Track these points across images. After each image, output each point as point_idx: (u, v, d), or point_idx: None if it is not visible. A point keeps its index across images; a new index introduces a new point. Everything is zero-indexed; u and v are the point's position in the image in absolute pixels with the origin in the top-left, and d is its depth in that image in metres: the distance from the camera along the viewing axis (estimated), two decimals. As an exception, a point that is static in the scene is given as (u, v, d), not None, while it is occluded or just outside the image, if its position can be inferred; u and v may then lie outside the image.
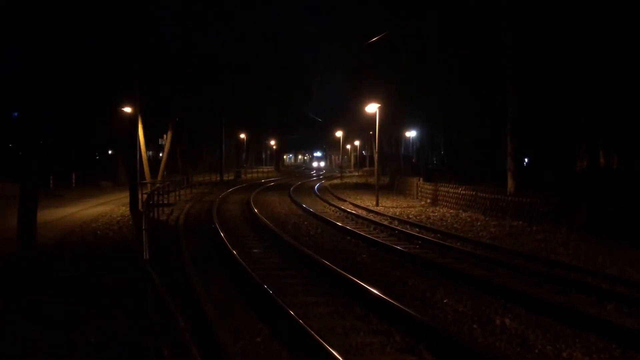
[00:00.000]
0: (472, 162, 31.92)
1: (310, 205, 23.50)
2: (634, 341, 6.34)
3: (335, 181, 47.85)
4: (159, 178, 32.93)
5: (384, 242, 13.31)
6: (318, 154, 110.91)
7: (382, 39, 29.82)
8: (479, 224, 17.07)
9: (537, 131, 25.21)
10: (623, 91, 20.93)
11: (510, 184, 19.76)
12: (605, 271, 9.86)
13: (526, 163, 29.63)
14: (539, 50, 22.42)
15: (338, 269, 9.61)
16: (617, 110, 22.10)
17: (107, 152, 48.30)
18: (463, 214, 19.71)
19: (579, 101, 22.94)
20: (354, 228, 15.93)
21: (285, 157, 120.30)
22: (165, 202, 22.16)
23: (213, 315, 7.17)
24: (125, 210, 20.63)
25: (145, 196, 20.24)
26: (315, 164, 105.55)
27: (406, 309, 7.15)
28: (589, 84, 22.05)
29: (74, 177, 34.28)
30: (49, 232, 14.96)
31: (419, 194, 26.66)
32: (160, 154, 46.55)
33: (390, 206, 23.38)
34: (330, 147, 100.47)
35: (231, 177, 51.01)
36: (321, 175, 65.38)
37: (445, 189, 23.01)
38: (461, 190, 21.45)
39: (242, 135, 65.27)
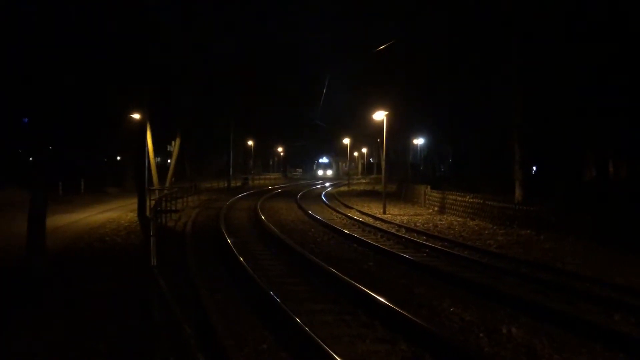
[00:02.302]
0: (480, 171, 31.81)
1: (317, 212, 23.50)
2: (641, 351, 6.31)
3: (342, 188, 47.86)
4: (167, 184, 33.06)
5: (390, 250, 13.30)
6: (324, 159, 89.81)
7: (390, 47, 29.87)
8: (486, 232, 17.02)
9: (546, 140, 25.12)
10: (632, 100, 20.83)
11: (518, 192, 19.70)
12: (612, 281, 9.80)
13: (534, 171, 29.49)
14: (546, 58, 22.36)
15: (344, 277, 9.62)
16: (626, 119, 21.99)
17: (116, 158, 48.56)
18: (471, 223, 19.65)
19: (587, 110, 22.85)
20: (361, 236, 15.92)
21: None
22: (173, 208, 22.24)
23: (219, 322, 7.19)
24: (133, 216, 20.73)
25: (153, 202, 20.33)
26: (320, 172, 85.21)
27: (412, 317, 7.15)
28: (597, 93, 21.96)
29: (82, 183, 34.49)
30: (58, 238, 15.07)
31: (427, 202, 26.62)
32: (169, 161, 46.76)
33: (397, 214, 23.35)
34: (338, 154, 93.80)
35: (238, 184, 51.12)
36: (327, 183, 60.16)
37: (453, 197, 22.96)
38: (469, 198, 21.40)
39: (250, 142, 65.47)
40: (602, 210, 14.92)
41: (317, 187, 50.04)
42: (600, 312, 7.99)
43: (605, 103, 21.85)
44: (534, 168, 29.50)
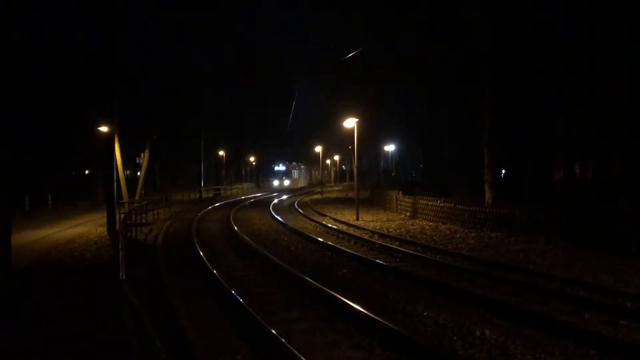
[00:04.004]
0: (450, 175, 32.15)
1: (291, 221, 23.43)
2: (611, 348, 6.43)
3: (315, 196, 47.84)
4: (137, 197, 32.56)
5: (364, 256, 13.32)
6: (280, 166, 75.02)
7: (359, 54, 30.10)
8: (458, 235, 17.19)
9: (514, 143, 25.54)
10: (597, 103, 21.31)
11: (488, 195, 19.97)
12: (582, 279, 9.98)
13: (504, 174, 29.93)
14: (516, 63, 22.72)
15: (319, 285, 9.59)
16: (591, 122, 22.48)
17: (84, 171, 47.71)
18: (442, 226, 19.83)
19: (554, 113, 23.30)
20: (335, 243, 15.91)
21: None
22: (144, 221, 21.91)
23: (193, 334, 7.08)
24: (102, 230, 20.35)
25: (122, 216, 20.01)
26: (275, 183, 70.56)
27: (387, 323, 7.16)
28: (564, 96, 22.41)
29: (50, 197, 33.74)
30: (24, 254, 14.67)
31: (399, 207, 26.78)
32: (138, 173, 46.15)
33: (370, 220, 23.43)
34: (311, 162, 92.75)
35: (210, 195, 50.64)
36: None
37: (424, 202, 23.15)
38: (440, 202, 21.60)
39: (221, 152, 65.02)
40: (570, 211, 15.19)
41: (291, 196, 49.84)
42: (572, 312, 8.13)
43: (571, 107, 22.33)
44: (503, 171, 29.95)
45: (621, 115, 16.47)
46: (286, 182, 72.39)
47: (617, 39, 16.31)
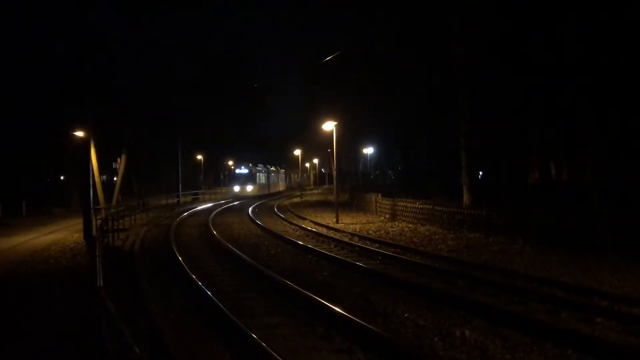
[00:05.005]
0: (428, 177, 32.40)
1: (271, 225, 23.35)
2: (587, 346, 6.52)
3: (295, 199, 47.81)
4: (114, 203, 32.19)
5: (345, 259, 13.34)
6: (243, 170, 61.92)
7: (336, 58, 30.15)
8: (437, 237, 17.31)
9: (491, 145, 25.82)
10: (570, 104, 21.63)
11: (465, 197, 20.15)
12: (559, 279, 10.13)
13: (481, 176, 30.24)
14: (490, 63, 22.94)
15: (300, 289, 9.56)
16: (566, 123, 22.83)
17: (60, 177, 46.95)
18: (421, 228, 19.95)
19: (529, 116, 23.63)
20: (315, 246, 15.90)
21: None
22: (120, 227, 21.64)
23: (172, 341, 7.00)
24: (79, 237, 20.04)
25: (99, 222, 19.73)
26: (237, 188, 59.17)
27: (368, 326, 7.16)
28: (539, 98, 22.72)
29: (24, 205, 33.13)
30: (-3, 262, 14.38)
31: (378, 209, 26.88)
32: (115, 178, 45.53)
33: (350, 223, 23.47)
34: (290, 165, 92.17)
35: (189, 200, 50.24)
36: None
37: (404, 204, 23.27)
38: (419, 204, 21.73)
39: (199, 157, 64.57)
40: (546, 212, 15.40)
41: (269, 200, 49.69)
42: (549, 311, 8.23)
43: (545, 109, 22.65)
44: (480, 173, 30.25)
45: (590, 124, 16.80)
46: (249, 188, 60.60)
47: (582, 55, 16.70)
